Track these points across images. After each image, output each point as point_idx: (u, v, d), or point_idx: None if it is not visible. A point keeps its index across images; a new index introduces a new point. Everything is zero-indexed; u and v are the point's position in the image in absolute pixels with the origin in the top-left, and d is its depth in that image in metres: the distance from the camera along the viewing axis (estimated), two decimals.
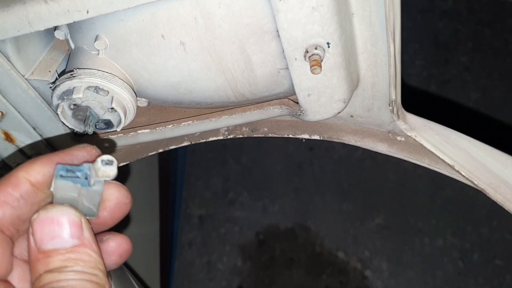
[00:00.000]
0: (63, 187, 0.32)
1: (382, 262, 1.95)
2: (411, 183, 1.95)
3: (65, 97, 0.44)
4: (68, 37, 0.46)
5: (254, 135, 0.57)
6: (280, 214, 2.09)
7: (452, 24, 2.49)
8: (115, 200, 0.35)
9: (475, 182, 0.44)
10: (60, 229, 0.32)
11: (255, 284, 2.01)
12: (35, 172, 0.33)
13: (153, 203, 1.46)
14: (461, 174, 0.45)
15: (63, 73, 0.45)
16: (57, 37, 0.46)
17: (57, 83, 0.44)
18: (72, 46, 0.46)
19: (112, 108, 0.44)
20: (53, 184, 0.32)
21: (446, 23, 2.49)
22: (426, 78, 2.40)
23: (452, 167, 0.45)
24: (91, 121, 0.44)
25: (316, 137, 0.55)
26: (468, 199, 1.82)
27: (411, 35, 2.48)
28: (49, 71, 0.48)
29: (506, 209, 0.43)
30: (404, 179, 1.97)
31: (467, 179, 0.45)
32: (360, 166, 2.03)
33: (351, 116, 0.52)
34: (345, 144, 0.53)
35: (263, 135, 0.57)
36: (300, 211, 2.06)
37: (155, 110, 0.53)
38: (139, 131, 0.52)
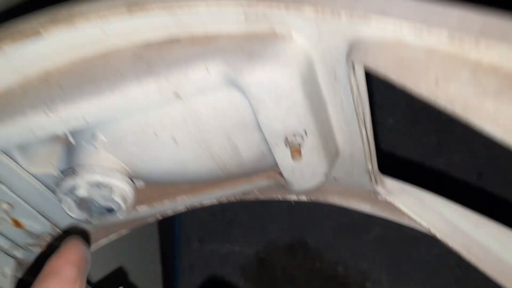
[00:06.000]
0: None
1: (381, 273, 1.97)
2: None
3: (69, 193, 0.47)
4: (67, 132, 0.50)
5: (246, 199, 0.61)
6: (278, 232, 2.12)
7: None
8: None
9: (450, 244, 0.48)
10: None
11: None
12: None
13: (152, 229, 1.49)
14: (436, 236, 0.49)
15: (65, 169, 0.48)
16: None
17: (60, 180, 0.47)
18: (72, 140, 0.50)
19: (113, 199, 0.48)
20: None
21: None
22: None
23: (428, 229, 0.49)
24: (94, 212, 0.48)
25: (304, 198, 0.58)
26: None
27: None
28: (52, 164, 0.51)
29: (481, 270, 0.47)
30: None
31: (443, 241, 0.49)
32: None
33: (335, 179, 0.56)
34: None
35: (255, 198, 0.61)
36: (298, 227, 2.09)
37: (152, 186, 0.57)
38: (138, 208, 0.56)
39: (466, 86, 0.31)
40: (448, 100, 0.31)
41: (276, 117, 0.42)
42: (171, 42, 0.43)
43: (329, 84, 0.43)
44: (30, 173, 0.51)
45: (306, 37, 0.38)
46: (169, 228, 1.82)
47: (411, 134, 2.39)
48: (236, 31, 0.40)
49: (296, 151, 0.44)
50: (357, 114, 0.43)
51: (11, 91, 0.46)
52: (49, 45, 0.42)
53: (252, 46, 0.40)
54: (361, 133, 0.45)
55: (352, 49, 0.36)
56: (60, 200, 0.49)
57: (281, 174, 0.53)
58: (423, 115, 2.36)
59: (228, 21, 0.39)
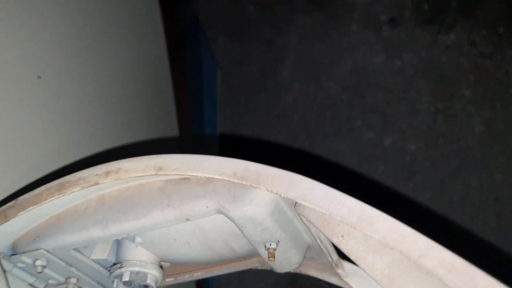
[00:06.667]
0: None
1: None
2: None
3: (117, 277, 0.69)
4: None
5: (247, 268, 0.80)
6: None
7: (455, 58, 2.63)
8: None
9: None
10: None
11: None
12: None
13: None
14: None
15: (115, 263, 0.70)
16: None
17: (112, 270, 0.69)
18: (119, 239, 0.71)
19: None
20: None
21: (450, 57, 2.63)
22: (433, 114, 2.56)
23: None
24: None
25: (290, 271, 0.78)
26: None
27: (418, 71, 2.65)
28: (105, 252, 0.73)
29: None
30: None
31: None
32: None
33: (312, 258, 0.75)
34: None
35: (254, 268, 0.80)
36: None
37: (176, 266, 0.78)
38: (166, 279, 0.77)
39: (359, 242, 0.49)
40: (347, 251, 0.50)
41: (255, 235, 0.62)
42: (184, 180, 0.64)
43: (291, 210, 0.62)
44: (90, 259, 0.73)
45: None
46: None
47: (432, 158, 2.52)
48: (226, 178, 0.60)
49: (271, 255, 0.63)
50: (312, 234, 0.62)
51: (76, 209, 0.68)
52: (103, 186, 0.64)
53: (235, 191, 0.59)
54: (317, 243, 0.64)
55: (295, 202, 0.55)
56: (111, 282, 0.70)
57: None
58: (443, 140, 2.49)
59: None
